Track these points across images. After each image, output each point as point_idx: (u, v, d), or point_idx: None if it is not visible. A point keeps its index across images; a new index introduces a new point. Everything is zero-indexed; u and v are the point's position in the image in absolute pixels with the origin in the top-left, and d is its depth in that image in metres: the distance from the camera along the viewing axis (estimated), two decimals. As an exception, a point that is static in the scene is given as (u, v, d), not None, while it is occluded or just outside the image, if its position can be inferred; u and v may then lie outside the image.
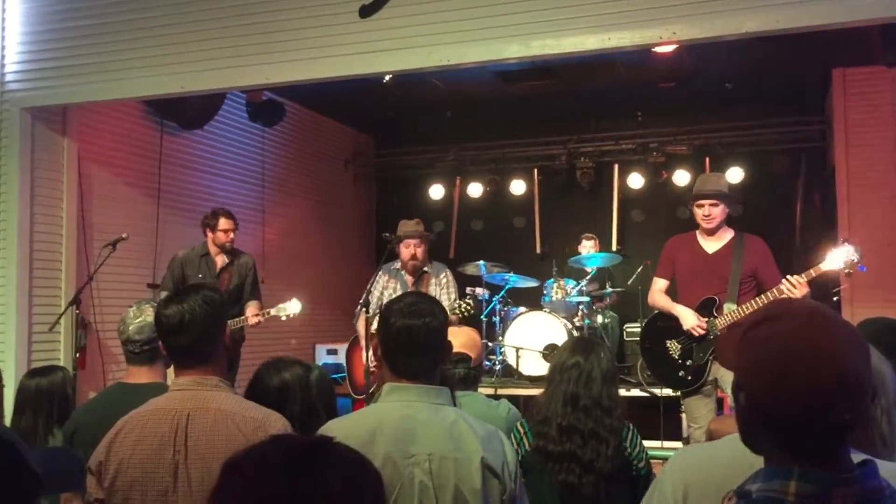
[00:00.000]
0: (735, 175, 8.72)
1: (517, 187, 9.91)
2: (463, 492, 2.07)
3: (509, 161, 10.00)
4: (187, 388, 2.31)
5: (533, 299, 7.98)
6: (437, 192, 10.16)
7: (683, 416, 5.52)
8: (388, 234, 5.77)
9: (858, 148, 7.63)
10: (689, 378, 4.78)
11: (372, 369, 5.40)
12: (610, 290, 8.04)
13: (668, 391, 5.92)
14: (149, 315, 2.96)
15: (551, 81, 8.21)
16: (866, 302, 7.16)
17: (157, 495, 2.19)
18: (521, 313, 7.48)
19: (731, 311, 4.62)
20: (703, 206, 4.80)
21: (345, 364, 8.40)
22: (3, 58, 6.07)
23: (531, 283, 7.94)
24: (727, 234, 4.86)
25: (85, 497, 2.31)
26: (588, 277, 7.73)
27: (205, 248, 6.41)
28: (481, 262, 7.62)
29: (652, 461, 3.20)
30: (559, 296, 7.60)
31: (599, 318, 7.88)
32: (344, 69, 5.20)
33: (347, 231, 10.32)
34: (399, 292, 5.79)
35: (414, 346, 2.22)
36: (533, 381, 7.06)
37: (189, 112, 7.26)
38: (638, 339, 5.91)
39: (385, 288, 5.88)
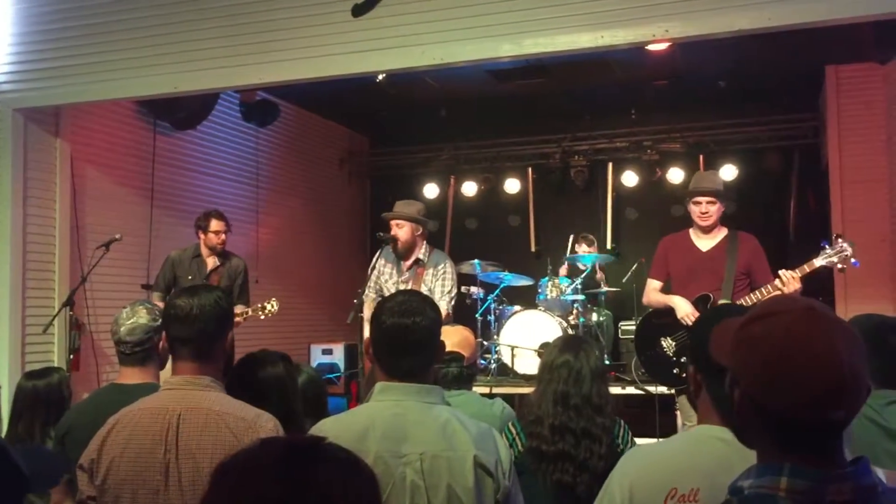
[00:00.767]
0: (729, 172, 8.74)
1: (511, 186, 9.92)
2: (456, 491, 2.05)
3: (503, 160, 10.00)
4: (179, 388, 2.31)
5: (528, 298, 7.98)
6: (431, 191, 10.16)
7: (678, 413, 5.53)
8: (382, 234, 5.72)
9: (851, 144, 7.65)
10: (684, 375, 4.77)
11: None
12: (605, 289, 8.04)
13: (662, 388, 5.92)
14: (141, 316, 2.96)
15: (545, 80, 8.21)
16: (859, 298, 7.18)
17: (147, 494, 2.19)
18: (516, 312, 7.47)
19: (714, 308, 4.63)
20: (700, 203, 4.81)
21: (341, 364, 8.44)
22: (-6, 59, 6.05)
23: (526, 282, 7.95)
24: (721, 233, 4.87)
25: (77, 495, 2.30)
26: (583, 276, 7.73)
27: (197, 249, 6.41)
28: (476, 260, 7.62)
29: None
30: (554, 294, 7.59)
31: (594, 316, 7.88)
32: (337, 68, 5.20)
33: (342, 230, 10.31)
34: (394, 276, 5.71)
35: (404, 346, 2.20)
36: (528, 379, 7.05)
37: (182, 112, 7.24)
38: (633, 336, 5.91)
39: (381, 273, 5.77)
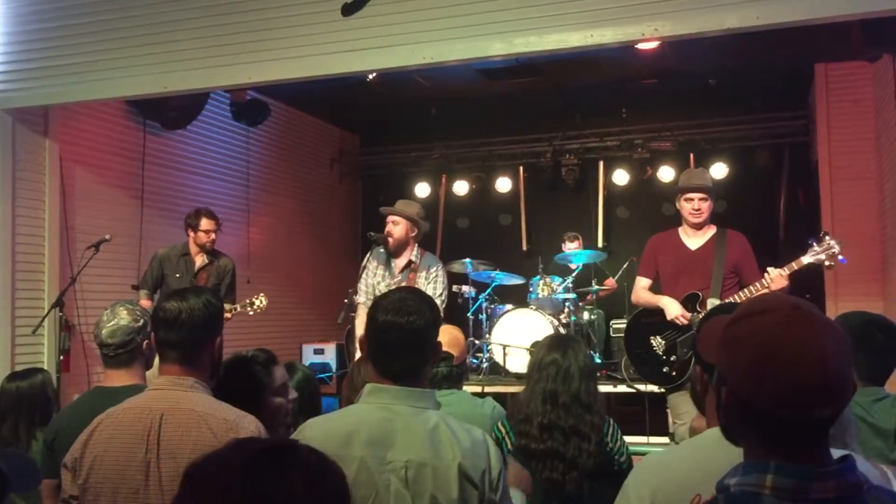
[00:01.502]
0: (719, 170, 8.76)
1: (503, 185, 9.92)
2: (439, 500, 2.00)
3: (495, 159, 10.01)
4: (164, 388, 2.31)
5: (519, 296, 7.99)
6: (422, 190, 10.15)
7: (669, 412, 5.54)
8: (373, 234, 5.71)
9: (841, 142, 7.67)
10: (674, 374, 4.79)
11: None
12: (596, 287, 8.05)
13: (653, 387, 5.94)
14: (122, 318, 2.92)
15: (535, 79, 8.21)
16: (849, 295, 7.21)
17: (128, 493, 2.18)
18: (508, 311, 7.48)
19: (715, 307, 4.64)
20: (692, 199, 4.82)
21: (332, 364, 8.43)
22: (-18, 59, 6.02)
23: (517, 281, 7.96)
24: (709, 231, 4.89)
25: (60, 494, 2.30)
26: (573, 274, 7.74)
27: (185, 247, 6.40)
28: (467, 259, 7.63)
29: (638, 457, 3.21)
30: (545, 293, 7.60)
31: (586, 315, 7.89)
32: (327, 68, 5.19)
33: (333, 230, 10.30)
34: (386, 279, 5.69)
35: (396, 346, 2.13)
36: (520, 378, 7.04)
37: (172, 112, 7.22)
38: (623, 335, 5.92)
39: (373, 274, 5.76)
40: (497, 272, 7.76)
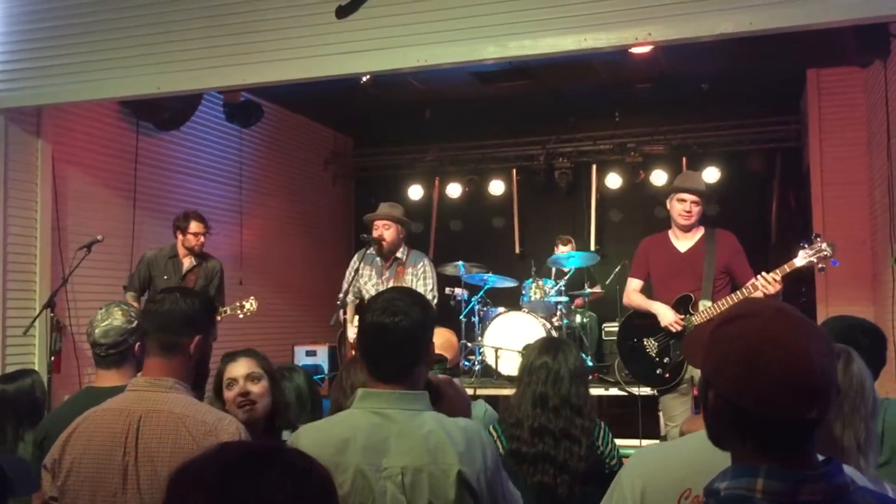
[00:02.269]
0: (712, 174, 8.80)
1: (496, 187, 9.94)
2: None
3: (488, 161, 10.02)
4: (142, 389, 2.28)
5: (512, 299, 8.00)
6: (415, 192, 10.17)
7: (661, 414, 5.55)
8: (365, 235, 5.73)
9: (833, 147, 7.71)
10: (667, 375, 4.81)
11: None
12: (588, 290, 8.07)
13: (646, 390, 5.95)
14: (116, 318, 2.92)
15: (529, 82, 8.23)
16: (840, 299, 7.25)
17: (106, 496, 2.16)
18: (500, 313, 7.49)
19: (706, 308, 4.66)
20: (684, 201, 4.84)
21: (325, 366, 8.42)
22: (-25, 58, 6.00)
23: (510, 284, 7.96)
24: (698, 232, 4.92)
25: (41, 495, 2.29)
26: (566, 277, 7.76)
27: (173, 249, 6.42)
28: (460, 262, 7.63)
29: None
30: (538, 296, 7.62)
31: (578, 318, 7.91)
32: (321, 70, 5.19)
33: (326, 231, 10.29)
34: (374, 278, 5.74)
35: (385, 347, 2.11)
36: (512, 380, 7.05)
37: (165, 113, 7.21)
38: (615, 337, 5.93)
39: (361, 275, 5.79)
40: (490, 275, 7.77)
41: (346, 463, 1.98)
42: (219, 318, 5.97)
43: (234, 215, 8.65)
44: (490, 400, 4.15)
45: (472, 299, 7.75)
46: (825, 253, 4.46)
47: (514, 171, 10.02)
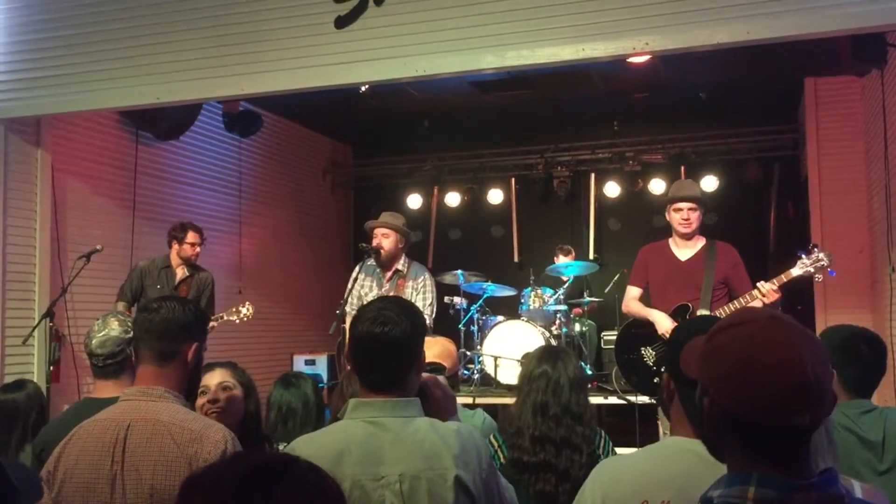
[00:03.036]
0: (710, 183, 8.82)
1: (495, 196, 9.95)
2: None
3: (487, 170, 10.04)
4: (133, 399, 2.29)
5: (511, 308, 8.00)
6: (414, 201, 10.18)
7: (660, 423, 5.55)
8: (364, 245, 5.74)
9: (830, 156, 7.73)
10: (665, 385, 4.80)
11: None
12: (588, 299, 8.08)
13: (643, 398, 5.95)
14: (113, 328, 2.92)
15: (527, 91, 8.26)
16: (839, 308, 7.25)
17: None
18: (499, 322, 7.48)
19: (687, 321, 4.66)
20: (681, 209, 4.85)
21: (324, 375, 8.41)
22: (-25, 69, 6.02)
23: (509, 292, 7.97)
24: (699, 242, 4.92)
25: None
26: (565, 286, 7.76)
27: (167, 260, 6.47)
28: (459, 271, 7.64)
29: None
30: (536, 304, 7.62)
31: (577, 327, 7.91)
32: (320, 80, 5.20)
33: (325, 241, 10.30)
34: (374, 289, 5.74)
35: (375, 357, 2.12)
36: (511, 389, 7.05)
37: (165, 123, 7.22)
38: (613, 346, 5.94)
39: (361, 286, 5.79)
40: (489, 283, 7.78)
41: (343, 475, 1.97)
42: (214, 324, 6.01)
43: (234, 225, 8.66)
44: (489, 408, 4.14)
45: (471, 308, 7.75)
46: (823, 263, 4.47)
47: (513, 180, 10.04)
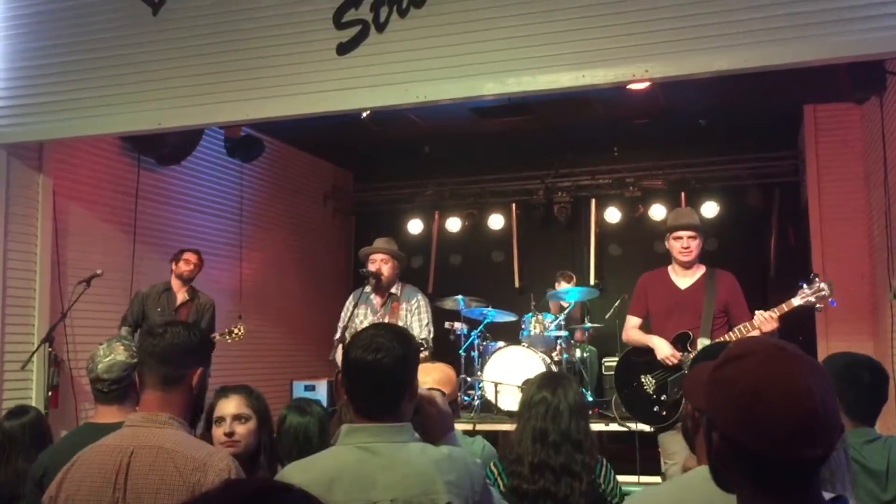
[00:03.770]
0: (710, 209, 8.84)
1: (495, 222, 9.97)
2: None
3: (487, 196, 10.06)
4: (137, 425, 2.27)
5: (511, 334, 7.98)
6: (415, 226, 10.19)
7: (661, 451, 5.51)
8: (364, 270, 5.74)
9: (830, 183, 7.74)
10: (664, 413, 4.77)
11: None
12: (589, 324, 8.06)
13: (644, 426, 5.91)
14: (119, 353, 2.91)
15: (528, 117, 8.29)
16: (840, 335, 7.22)
17: None
18: (500, 348, 7.46)
19: (704, 347, 4.63)
20: (681, 238, 4.84)
21: (323, 401, 8.36)
22: (-22, 94, 6.05)
23: (509, 318, 7.95)
24: (699, 270, 4.91)
25: None
26: (566, 312, 7.74)
27: (167, 284, 6.57)
28: (460, 296, 7.62)
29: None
30: (537, 330, 7.60)
31: (578, 353, 7.88)
32: (322, 105, 5.23)
33: (326, 266, 10.29)
34: (369, 317, 5.72)
35: (367, 384, 2.12)
36: (512, 416, 7.01)
37: (166, 148, 7.25)
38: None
39: (356, 315, 5.78)
40: (489, 309, 7.76)
41: (334, 502, 1.96)
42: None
43: (234, 249, 8.66)
44: (490, 435, 4.12)
45: (472, 334, 7.73)
46: (824, 293, 4.46)
47: (514, 205, 10.05)
